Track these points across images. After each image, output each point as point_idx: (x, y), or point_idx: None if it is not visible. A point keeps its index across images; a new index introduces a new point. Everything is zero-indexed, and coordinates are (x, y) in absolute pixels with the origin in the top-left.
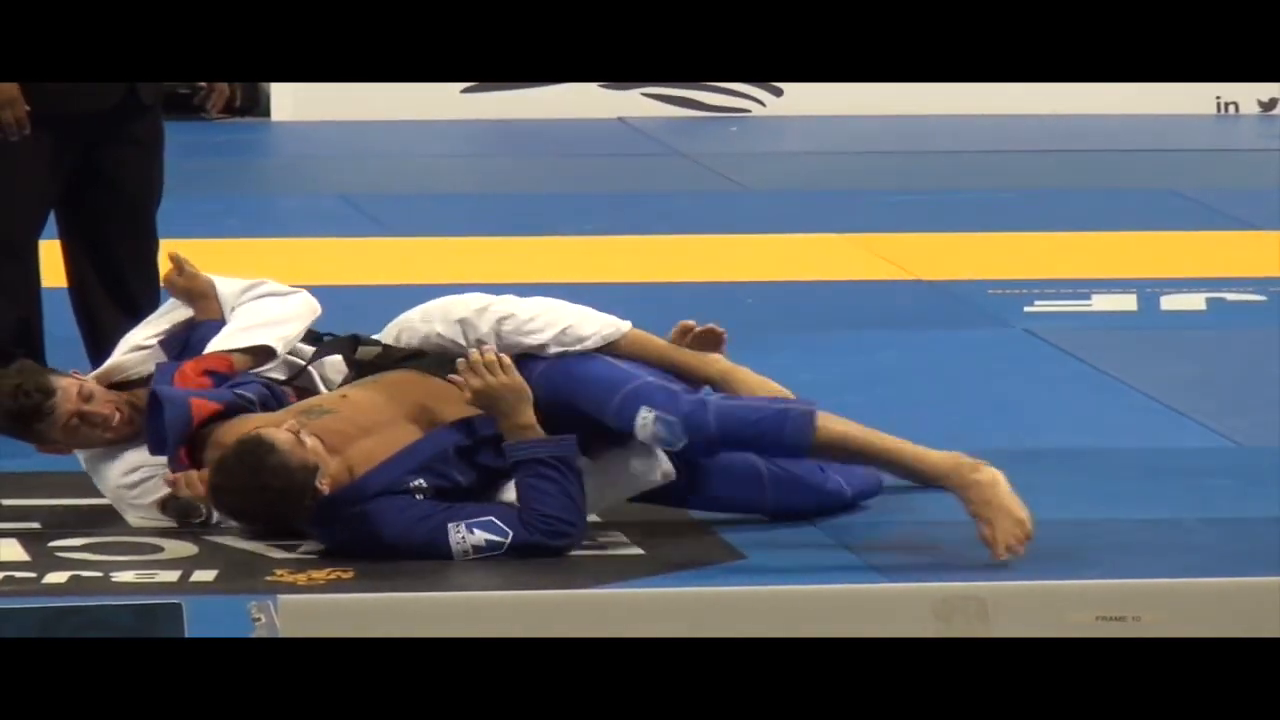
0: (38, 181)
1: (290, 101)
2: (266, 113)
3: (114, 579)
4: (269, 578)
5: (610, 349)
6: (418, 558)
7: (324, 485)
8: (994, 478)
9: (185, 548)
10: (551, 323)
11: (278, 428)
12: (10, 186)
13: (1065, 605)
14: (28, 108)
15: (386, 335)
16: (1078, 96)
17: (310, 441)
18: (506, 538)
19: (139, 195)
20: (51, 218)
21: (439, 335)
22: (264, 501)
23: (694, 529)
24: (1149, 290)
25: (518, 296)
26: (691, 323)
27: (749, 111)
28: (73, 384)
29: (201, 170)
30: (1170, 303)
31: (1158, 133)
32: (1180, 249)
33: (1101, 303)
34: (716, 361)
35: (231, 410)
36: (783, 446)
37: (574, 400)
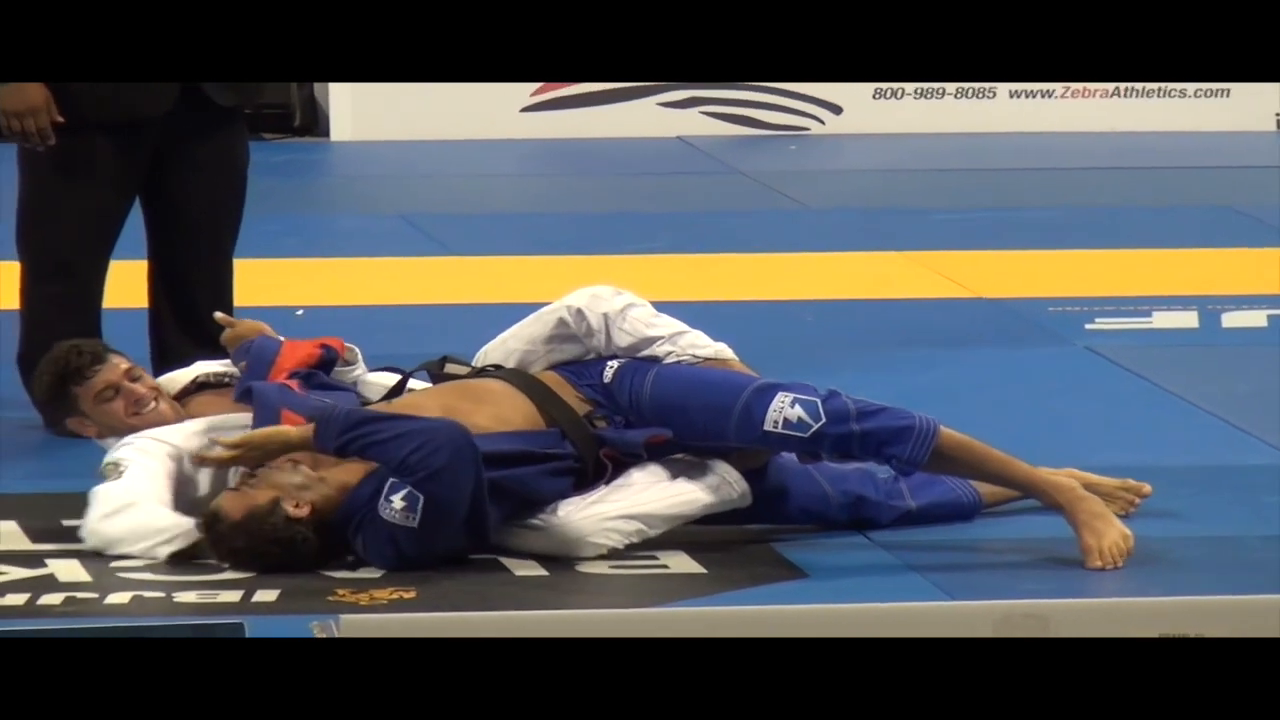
0: (99, 197)
1: (349, 121)
2: (326, 133)
3: (176, 599)
4: (330, 598)
5: (711, 365)
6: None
7: (291, 508)
8: (1095, 498)
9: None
10: (672, 326)
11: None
12: (68, 203)
13: (1126, 622)
14: (59, 118)
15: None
16: (1137, 113)
17: (263, 489)
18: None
19: (210, 220)
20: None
21: (555, 310)
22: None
23: (755, 547)
24: (1210, 307)
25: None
26: None
27: (808, 130)
28: (124, 361)
29: (261, 190)
30: (1231, 320)
31: (1217, 149)
32: (1241, 266)
33: (1162, 320)
34: None
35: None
36: (907, 440)
37: (688, 403)
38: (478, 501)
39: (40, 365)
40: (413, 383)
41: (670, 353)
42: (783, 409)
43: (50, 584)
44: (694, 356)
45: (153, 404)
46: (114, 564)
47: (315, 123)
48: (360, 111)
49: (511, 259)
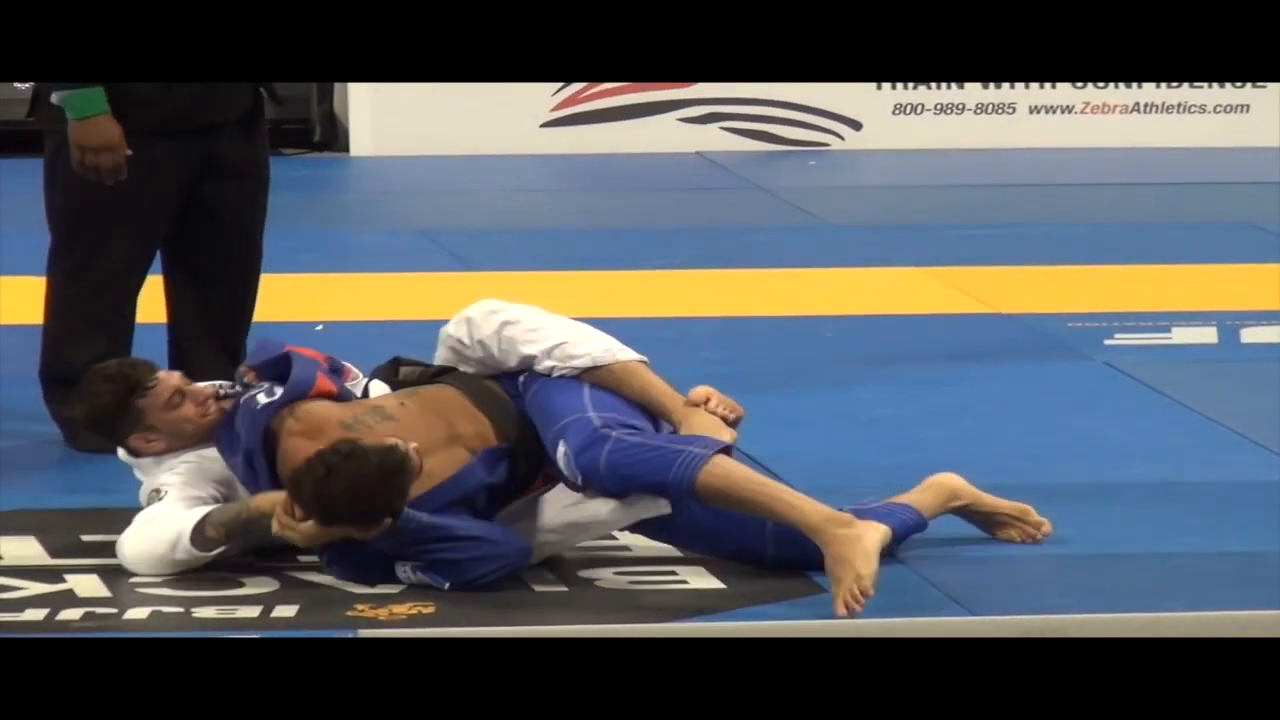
0: (152, 206)
1: (369, 137)
2: (346, 148)
3: (195, 615)
4: (349, 613)
5: (594, 376)
6: None
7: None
8: (859, 535)
9: (266, 583)
10: (550, 337)
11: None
12: (120, 213)
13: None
14: (129, 152)
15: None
16: (1156, 129)
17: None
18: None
19: (242, 230)
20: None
21: (449, 335)
22: (366, 503)
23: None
24: (1229, 323)
25: (541, 312)
26: (707, 392)
27: (828, 145)
28: (172, 374)
29: (281, 205)
30: (1251, 335)
31: (1237, 165)
32: (1261, 282)
33: (1182, 335)
34: (680, 407)
35: (340, 398)
36: (665, 486)
37: (538, 427)
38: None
39: (91, 386)
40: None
41: (551, 367)
42: (559, 459)
43: (69, 599)
44: (572, 368)
45: (212, 404)
46: (133, 579)
47: (335, 138)
48: (380, 127)
49: (531, 274)
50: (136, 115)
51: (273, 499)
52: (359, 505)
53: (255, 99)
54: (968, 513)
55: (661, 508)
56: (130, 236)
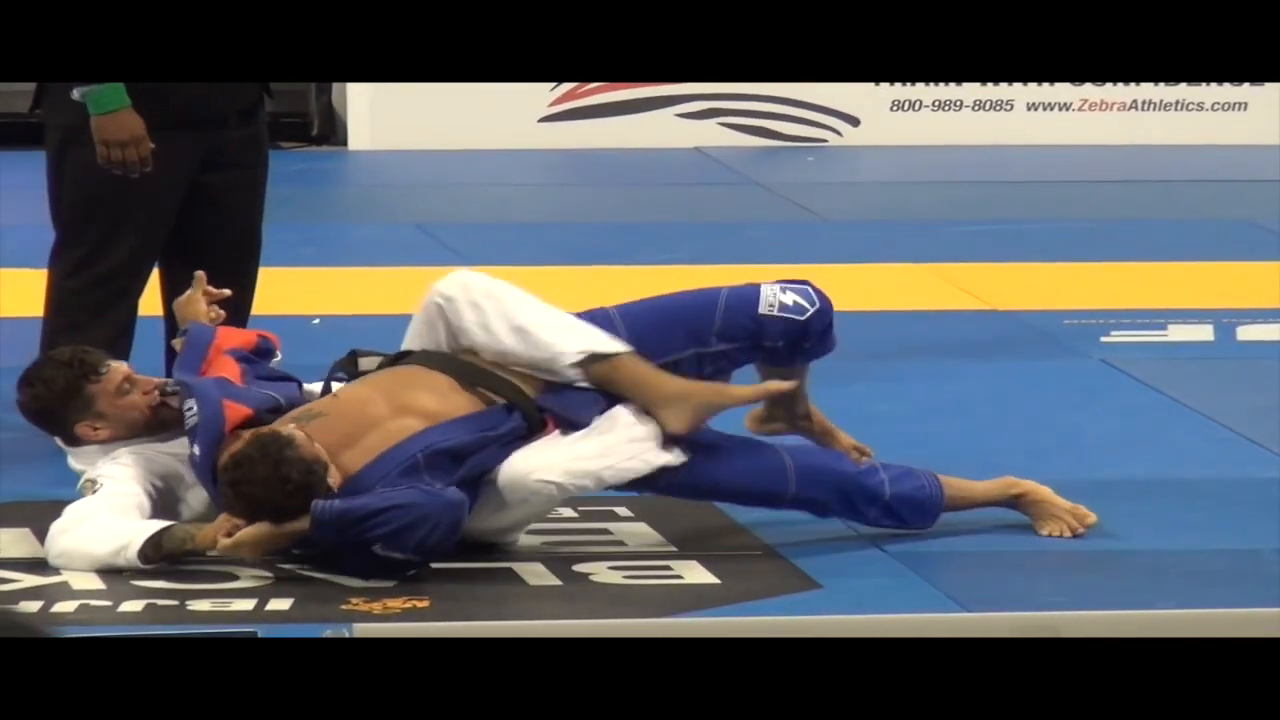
0: (164, 196)
1: (367, 131)
2: (343, 142)
3: (189, 608)
4: (344, 606)
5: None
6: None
7: (333, 481)
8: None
9: (260, 576)
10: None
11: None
12: (134, 204)
13: (1141, 634)
14: (153, 145)
15: None
16: (1155, 126)
17: (317, 444)
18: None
19: (243, 221)
20: None
21: (436, 305)
22: (283, 494)
23: (769, 557)
24: (1225, 321)
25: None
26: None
27: (826, 141)
28: (121, 363)
29: (278, 199)
30: (1247, 333)
31: (1234, 163)
32: (1257, 280)
33: (1178, 333)
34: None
35: (260, 417)
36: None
37: (664, 319)
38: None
39: (42, 371)
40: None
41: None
42: (776, 294)
43: (64, 591)
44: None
45: (156, 393)
46: (127, 572)
47: (333, 132)
48: (378, 121)
49: (528, 269)
50: (149, 108)
51: (214, 530)
52: (270, 496)
53: (259, 90)
54: (1023, 501)
55: (678, 457)
56: (139, 230)
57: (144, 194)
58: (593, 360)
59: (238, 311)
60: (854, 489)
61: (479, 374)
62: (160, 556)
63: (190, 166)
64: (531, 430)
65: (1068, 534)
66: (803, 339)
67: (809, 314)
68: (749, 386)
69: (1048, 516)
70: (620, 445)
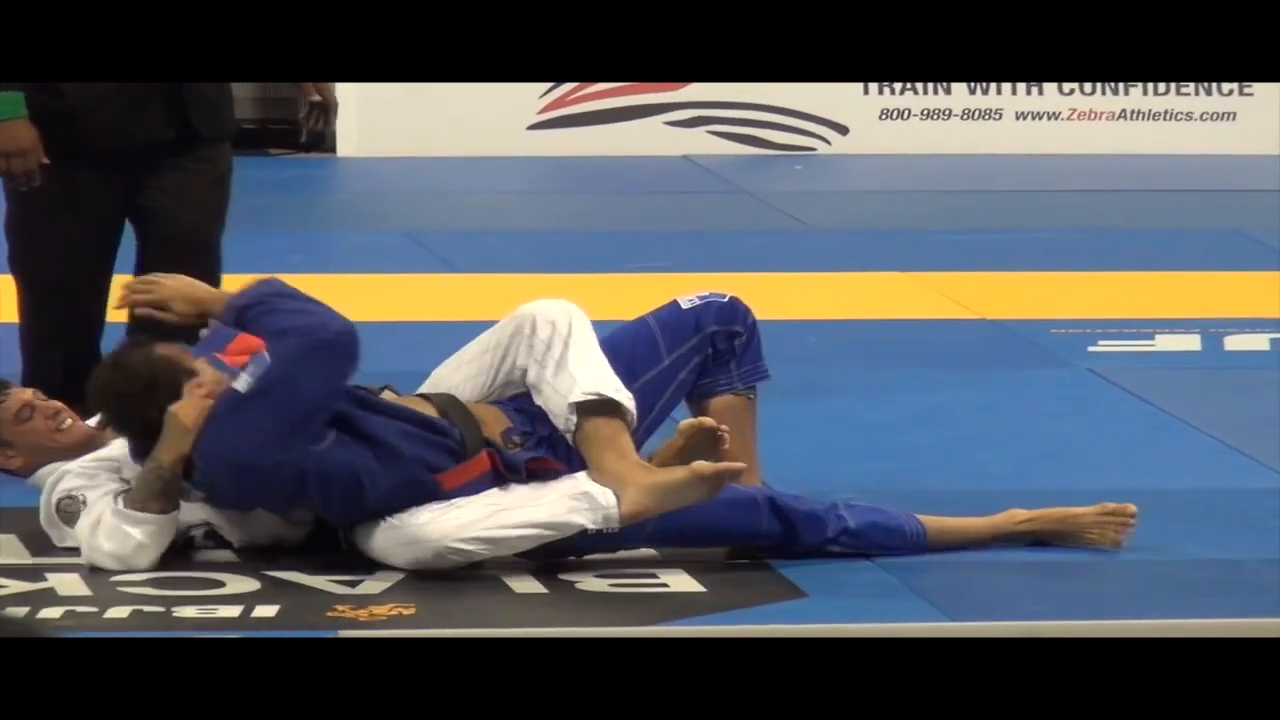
0: (85, 224)
1: (356, 138)
2: (332, 149)
3: (175, 614)
4: (330, 613)
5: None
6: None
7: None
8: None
9: (247, 583)
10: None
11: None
12: (56, 230)
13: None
14: (46, 160)
15: None
16: (1143, 136)
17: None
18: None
19: (195, 239)
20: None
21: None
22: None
23: (755, 566)
24: (1213, 330)
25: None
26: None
27: (814, 150)
28: (24, 390)
29: (266, 206)
30: (1234, 343)
31: (1222, 173)
32: (1245, 289)
33: (1165, 343)
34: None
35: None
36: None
37: (620, 360)
38: (316, 412)
39: None
40: None
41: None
42: (689, 298)
43: (50, 598)
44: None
45: (68, 420)
46: (114, 578)
47: (322, 139)
48: (367, 128)
49: (517, 277)
50: (63, 142)
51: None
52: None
53: (183, 124)
54: (1039, 529)
55: (610, 523)
56: (73, 251)
57: (62, 221)
58: (595, 405)
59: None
60: (823, 511)
61: (455, 406)
62: (144, 501)
63: (102, 199)
64: (464, 453)
65: (1121, 537)
66: (735, 327)
67: (727, 296)
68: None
69: (1083, 530)
70: (547, 501)
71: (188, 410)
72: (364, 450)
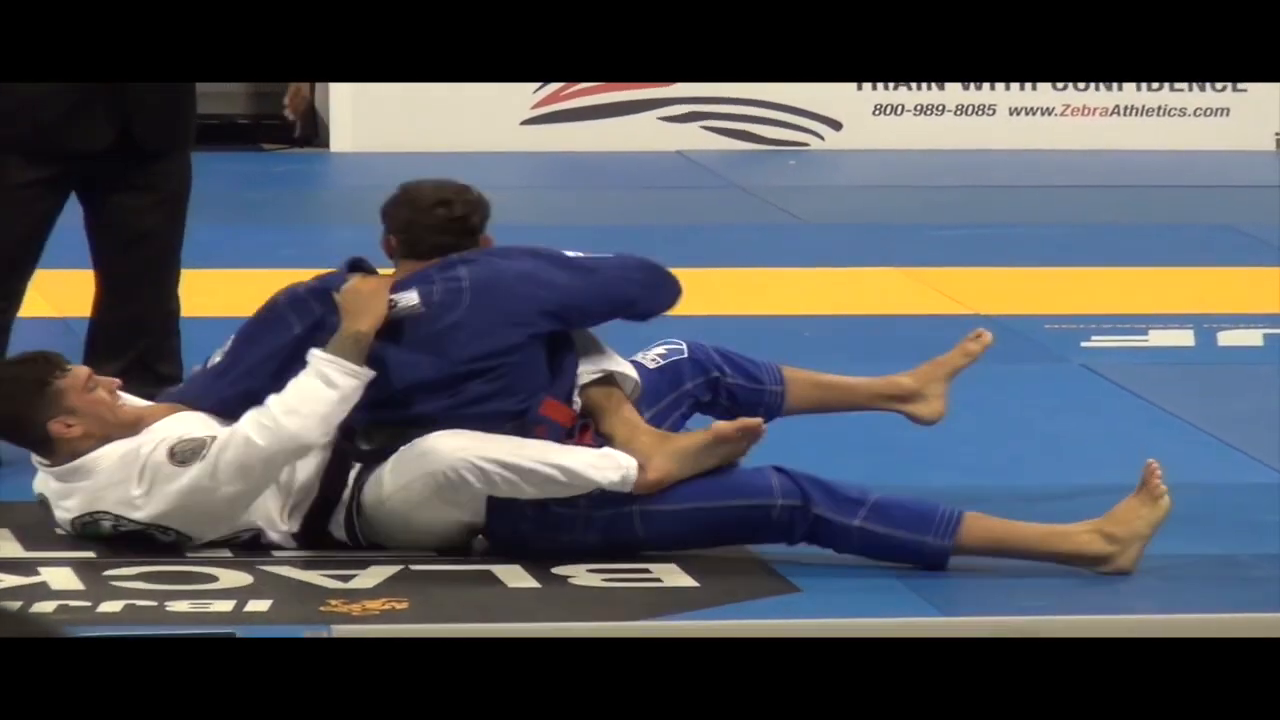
0: (14, 220)
1: (350, 133)
2: (326, 144)
3: (168, 608)
4: (323, 608)
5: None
6: None
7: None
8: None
9: (240, 578)
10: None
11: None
12: None
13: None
14: None
15: None
16: (1137, 132)
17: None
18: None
19: (154, 240)
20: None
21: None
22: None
23: (748, 560)
24: (1206, 326)
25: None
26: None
27: (807, 145)
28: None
29: (259, 201)
30: (1227, 338)
31: (1216, 168)
32: (1238, 285)
33: (1159, 338)
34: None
35: None
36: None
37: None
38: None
39: (2, 373)
40: None
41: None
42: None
43: (43, 592)
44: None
45: (123, 397)
46: (107, 572)
47: (315, 134)
48: (360, 123)
49: None
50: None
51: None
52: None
53: (123, 126)
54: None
55: (626, 484)
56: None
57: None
58: (602, 381)
59: (165, 317)
60: (839, 486)
61: None
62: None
63: (46, 195)
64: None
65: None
66: (710, 375)
67: (683, 348)
68: (724, 425)
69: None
70: (572, 453)
71: (366, 284)
72: None
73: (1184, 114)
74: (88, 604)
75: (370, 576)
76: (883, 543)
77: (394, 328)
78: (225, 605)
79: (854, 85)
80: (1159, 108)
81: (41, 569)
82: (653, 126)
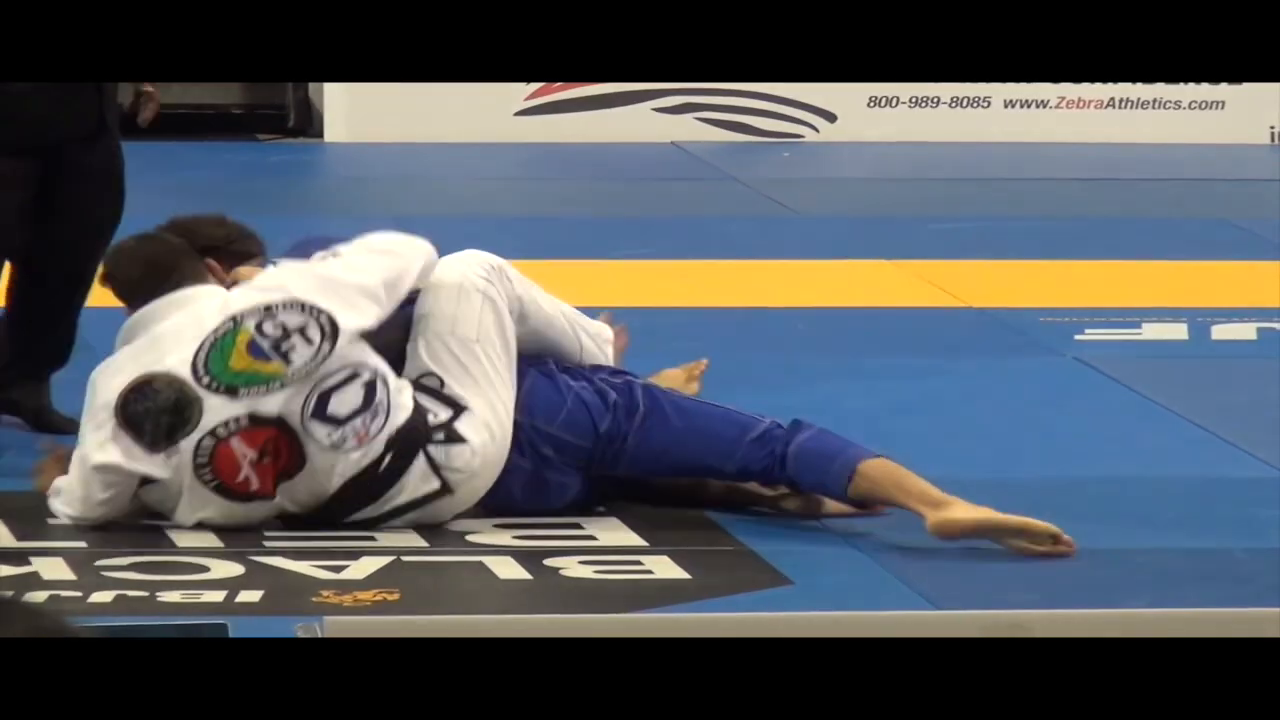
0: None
1: (344, 123)
2: (320, 134)
3: (160, 599)
4: (315, 599)
5: None
6: None
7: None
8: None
9: (232, 568)
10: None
11: None
12: None
13: (1111, 633)
14: None
15: None
16: (1132, 125)
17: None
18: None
19: (94, 227)
20: None
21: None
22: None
23: (740, 553)
24: (1200, 320)
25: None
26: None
27: (802, 137)
28: None
29: (253, 191)
30: (1221, 332)
31: (1210, 162)
32: (1232, 279)
33: (1152, 332)
34: None
35: None
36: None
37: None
38: None
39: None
40: None
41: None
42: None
43: (34, 582)
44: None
45: None
46: (98, 562)
47: (309, 124)
48: (354, 113)
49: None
50: None
51: None
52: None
53: (100, 116)
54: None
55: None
56: None
57: None
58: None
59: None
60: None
61: None
62: None
63: (23, 185)
64: None
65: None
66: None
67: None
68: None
69: (1005, 541)
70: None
71: None
72: None
73: (1179, 107)
74: (79, 594)
75: (362, 567)
76: (802, 482)
77: None
78: (216, 595)
79: None
80: (1154, 100)
81: (33, 559)
82: (647, 118)
